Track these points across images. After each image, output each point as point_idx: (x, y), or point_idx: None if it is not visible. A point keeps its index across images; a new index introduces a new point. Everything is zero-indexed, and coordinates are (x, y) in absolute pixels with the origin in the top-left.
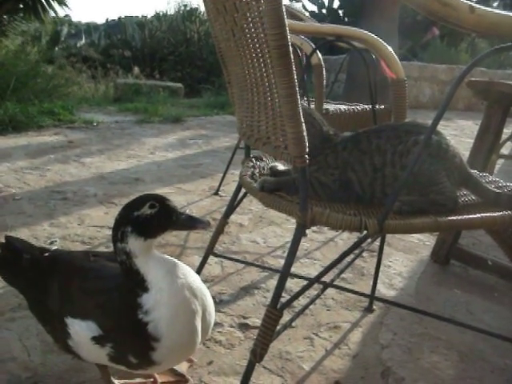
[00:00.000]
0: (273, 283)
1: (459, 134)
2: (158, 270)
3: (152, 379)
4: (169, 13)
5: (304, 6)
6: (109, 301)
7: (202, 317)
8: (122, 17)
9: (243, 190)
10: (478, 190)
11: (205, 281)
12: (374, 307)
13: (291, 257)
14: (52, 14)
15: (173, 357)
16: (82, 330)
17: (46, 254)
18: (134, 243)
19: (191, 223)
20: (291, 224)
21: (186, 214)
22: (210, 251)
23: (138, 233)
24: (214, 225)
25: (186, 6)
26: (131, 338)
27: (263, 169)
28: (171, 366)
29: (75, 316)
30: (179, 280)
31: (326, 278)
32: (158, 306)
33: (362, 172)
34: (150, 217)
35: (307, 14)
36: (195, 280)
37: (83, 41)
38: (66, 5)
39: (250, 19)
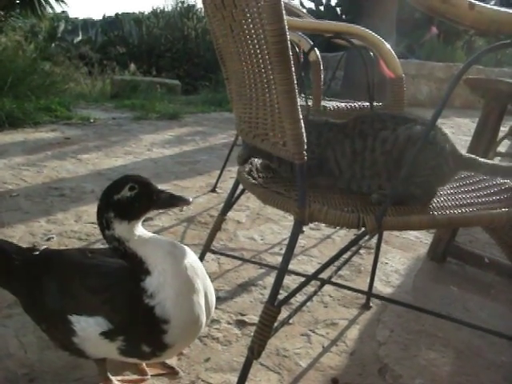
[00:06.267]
0: (270, 280)
1: (456, 132)
2: (157, 251)
3: (148, 376)
4: (166, 9)
5: (302, 3)
6: (115, 294)
7: (204, 296)
8: (119, 13)
9: (240, 187)
10: (474, 166)
11: None
12: (371, 304)
13: (289, 253)
14: (49, 9)
15: (184, 337)
16: (89, 327)
17: (36, 253)
18: (119, 227)
19: (172, 201)
20: (288, 221)
21: (167, 193)
22: (207, 248)
23: (120, 217)
24: (211, 222)
25: (183, 2)
26: (142, 326)
27: (260, 165)
28: (183, 347)
29: (80, 313)
30: (181, 260)
31: (324, 275)
32: (162, 287)
33: (340, 152)
34: (131, 199)
35: (305, 11)
36: (195, 260)
37: (80, 37)
38: (62, 1)
39: (248, 15)
